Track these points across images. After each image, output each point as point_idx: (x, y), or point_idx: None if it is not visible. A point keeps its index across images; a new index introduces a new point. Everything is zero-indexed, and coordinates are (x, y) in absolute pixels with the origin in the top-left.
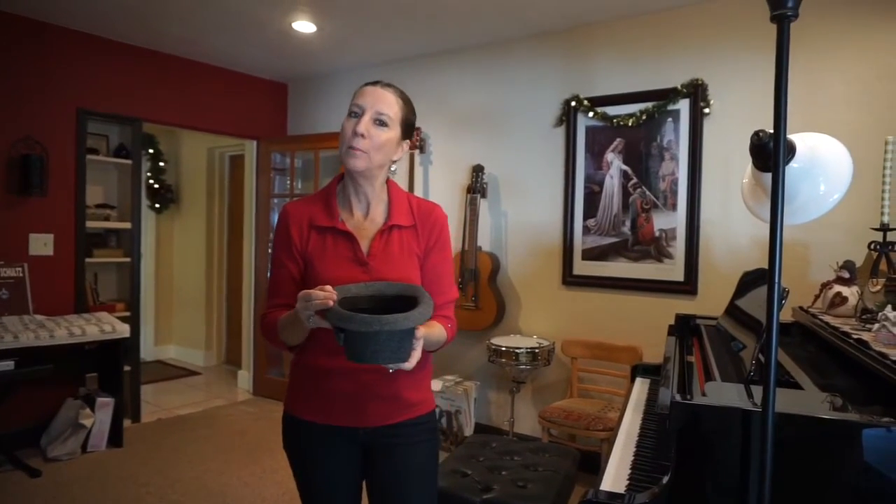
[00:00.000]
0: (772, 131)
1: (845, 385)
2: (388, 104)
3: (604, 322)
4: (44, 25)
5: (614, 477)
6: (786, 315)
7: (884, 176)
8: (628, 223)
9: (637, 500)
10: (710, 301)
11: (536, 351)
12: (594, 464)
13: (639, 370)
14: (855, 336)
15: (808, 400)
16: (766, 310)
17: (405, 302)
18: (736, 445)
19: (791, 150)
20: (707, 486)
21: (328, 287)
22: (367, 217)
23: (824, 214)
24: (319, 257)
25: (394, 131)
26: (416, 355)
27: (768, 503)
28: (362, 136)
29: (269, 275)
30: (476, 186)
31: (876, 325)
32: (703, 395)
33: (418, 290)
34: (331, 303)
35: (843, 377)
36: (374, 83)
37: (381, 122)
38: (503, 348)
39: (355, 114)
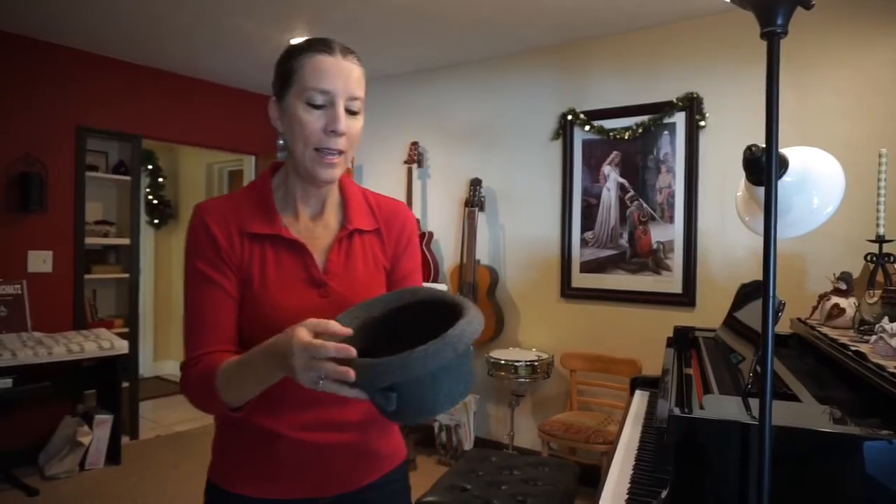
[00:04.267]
0: (764, 145)
1: (844, 397)
2: (358, 83)
3: (603, 334)
4: (43, 44)
5: (613, 492)
6: (783, 327)
7: (878, 188)
8: (626, 235)
9: None
10: (709, 313)
11: (535, 364)
12: (594, 477)
13: (638, 383)
14: (853, 348)
15: (806, 412)
16: (762, 323)
17: (421, 311)
18: (734, 459)
19: (783, 164)
20: (706, 500)
21: (328, 324)
22: (317, 221)
23: (818, 227)
24: (259, 278)
25: (363, 116)
26: None
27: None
28: (342, 134)
29: (185, 304)
30: (474, 200)
31: (873, 337)
32: (701, 407)
33: (428, 289)
34: (351, 373)
35: (842, 389)
36: (328, 49)
37: (353, 111)
38: (502, 361)
39: (318, 104)
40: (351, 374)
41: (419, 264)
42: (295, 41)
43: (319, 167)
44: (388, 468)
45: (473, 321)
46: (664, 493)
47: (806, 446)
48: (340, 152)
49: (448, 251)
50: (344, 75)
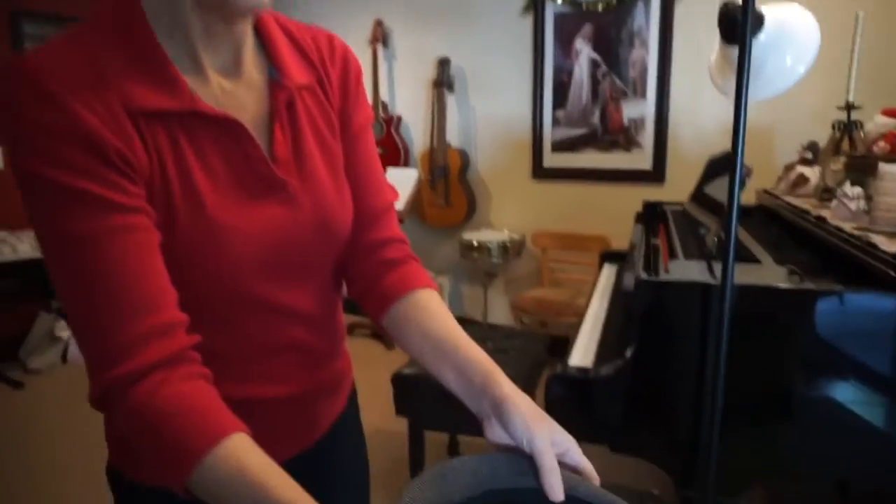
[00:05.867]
0: (740, 2)
1: (804, 260)
2: None
3: (573, 213)
4: None
5: (582, 355)
6: (749, 198)
7: (852, 52)
8: (597, 113)
9: (602, 372)
10: (678, 188)
11: (507, 244)
12: (564, 348)
13: (607, 257)
14: (814, 213)
15: (766, 272)
16: (729, 176)
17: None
18: (696, 318)
19: (759, 21)
20: (669, 358)
21: None
22: (234, 78)
23: (790, 88)
24: (182, 189)
25: None
26: None
27: (724, 369)
28: None
29: (61, 265)
30: (443, 80)
31: (834, 202)
32: (667, 272)
33: (555, 473)
34: None
35: (802, 253)
36: None
37: None
38: (475, 243)
39: None
40: None
41: (371, 117)
42: None
43: None
44: (350, 385)
45: None
46: (629, 352)
47: (764, 303)
48: None
49: (418, 135)
50: None
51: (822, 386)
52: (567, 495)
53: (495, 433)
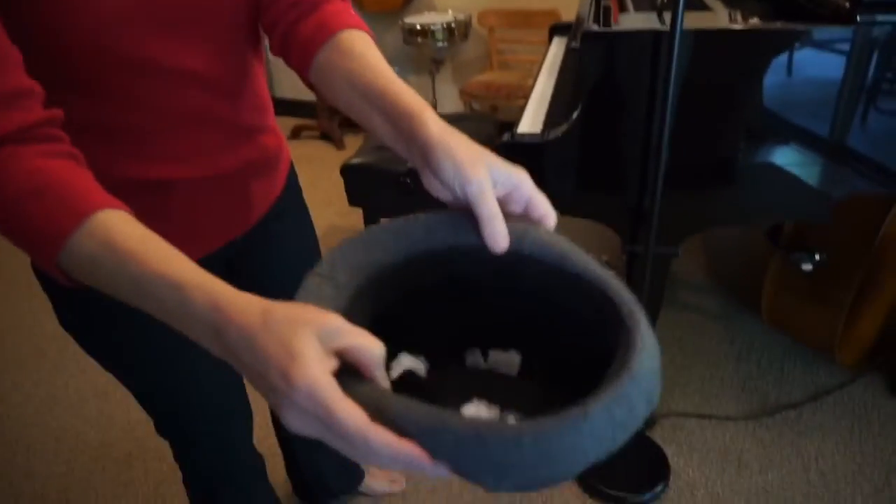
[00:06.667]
0: None
1: (760, 9)
2: None
3: None
4: None
5: (530, 124)
6: None
7: None
8: None
9: (551, 135)
10: None
11: (453, 25)
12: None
13: (556, 30)
14: None
15: (717, 17)
16: None
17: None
18: (646, 69)
19: None
20: (618, 114)
21: (366, 350)
22: None
23: None
24: None
25: None
26: None
27: (672, 117)
28: None
29: None
30: None
31: None
32: (616, 24)
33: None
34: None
35: (760, 4)
36: None
37: None
38: (418, 27)
39: None
40: (427, 464)
41: None
42: None
43: None
44: (288, 160)
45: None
46: (576, 114)
47: (714, 49)
48: None
49: None
50: None
51: (766, 138)
52: (512, 252)
53: (433, 185)
